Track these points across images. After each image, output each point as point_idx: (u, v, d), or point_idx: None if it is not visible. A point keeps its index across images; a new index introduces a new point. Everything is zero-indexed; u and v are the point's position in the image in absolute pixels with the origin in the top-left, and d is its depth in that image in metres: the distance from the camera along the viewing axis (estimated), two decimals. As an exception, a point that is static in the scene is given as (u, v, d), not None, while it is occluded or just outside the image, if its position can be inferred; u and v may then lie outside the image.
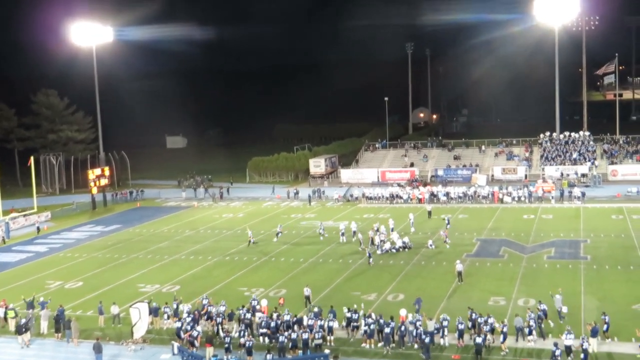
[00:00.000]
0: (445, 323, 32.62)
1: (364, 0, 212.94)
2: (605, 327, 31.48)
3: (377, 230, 54.13)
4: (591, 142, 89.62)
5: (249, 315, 34.86)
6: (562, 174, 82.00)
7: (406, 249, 51.16)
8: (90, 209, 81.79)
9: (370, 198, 76.45)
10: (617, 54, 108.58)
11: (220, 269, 48.89)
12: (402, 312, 34.06)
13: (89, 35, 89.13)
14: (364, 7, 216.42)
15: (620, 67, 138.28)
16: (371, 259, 47.62)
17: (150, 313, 35.99)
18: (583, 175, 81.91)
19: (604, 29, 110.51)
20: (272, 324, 33.49)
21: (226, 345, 31.95)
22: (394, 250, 50.92)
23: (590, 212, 64.27)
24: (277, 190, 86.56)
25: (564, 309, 34.74)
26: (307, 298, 38.74)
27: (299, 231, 61.25)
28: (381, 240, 52.18)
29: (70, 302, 40.92)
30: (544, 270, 43.90)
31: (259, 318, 34.68)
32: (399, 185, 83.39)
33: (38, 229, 67.65)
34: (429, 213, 64.75)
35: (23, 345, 34.82)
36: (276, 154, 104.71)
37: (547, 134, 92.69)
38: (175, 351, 32.48)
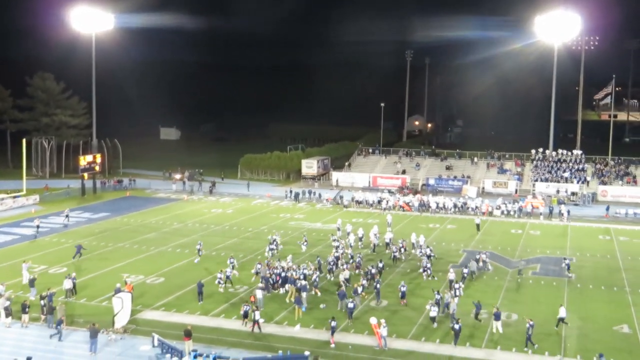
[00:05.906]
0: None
1: (368, 5, 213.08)
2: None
3: (376, 234, 55.38)
4: (583, 161, 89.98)
5: None
6: (557, 191, 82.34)
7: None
8: (79, 194, 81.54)
9: (360, 202, 76.58)
10: (614, 75, 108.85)
11: (206, 263, 48.84)
12: (373, 320, 34.25)
13: (89, 21, 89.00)
14: (366, 11, 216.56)
15: (617, 88, 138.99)
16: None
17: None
18: (573, 193, 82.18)
19: (603, 49, 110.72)
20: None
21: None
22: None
23: (578, 230, 64.45)
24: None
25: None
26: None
27: (286, 231, 61.29)
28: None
29: (53, 287, 40.62)
30: (527, 286, 44.05)
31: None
32: (389, 191, 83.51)
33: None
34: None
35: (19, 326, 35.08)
36: (269, 153, 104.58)
37: (540, 150, 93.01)
38: (155, 343, 32.43)
